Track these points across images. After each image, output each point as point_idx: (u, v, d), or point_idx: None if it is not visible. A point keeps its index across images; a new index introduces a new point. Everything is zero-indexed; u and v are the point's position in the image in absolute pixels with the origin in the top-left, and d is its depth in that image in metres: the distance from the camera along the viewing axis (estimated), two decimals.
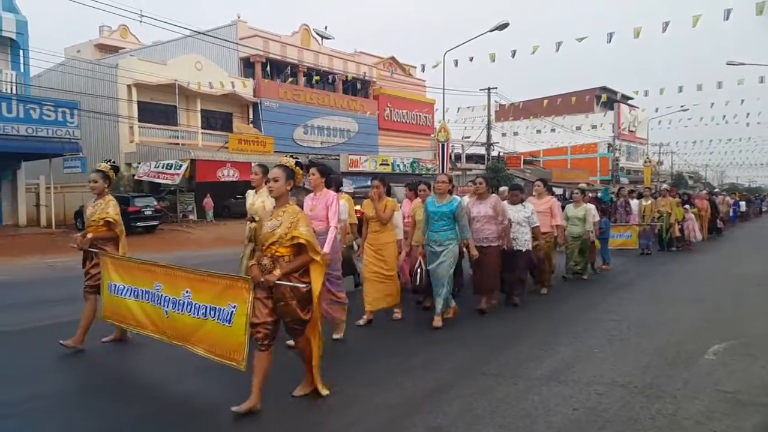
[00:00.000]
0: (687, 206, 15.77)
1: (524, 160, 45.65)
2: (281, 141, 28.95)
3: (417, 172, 31.63)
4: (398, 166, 30.37)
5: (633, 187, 15.80)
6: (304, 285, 3.86)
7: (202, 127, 28.16)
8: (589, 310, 7.61)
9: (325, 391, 4.19)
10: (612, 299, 8.42)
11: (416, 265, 6.73)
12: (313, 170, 5.56)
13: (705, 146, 53.26)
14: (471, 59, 20.77)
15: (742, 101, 28.90)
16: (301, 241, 3.85)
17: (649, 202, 14.30)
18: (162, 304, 4.47)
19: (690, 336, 6.02)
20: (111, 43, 36.03)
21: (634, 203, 14.47)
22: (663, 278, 10.62)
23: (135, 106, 25.50)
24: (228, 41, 27.32)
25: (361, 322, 6.40)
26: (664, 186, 17.11)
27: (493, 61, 19.49)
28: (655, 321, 6.84)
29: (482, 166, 35.36)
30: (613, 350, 5.52)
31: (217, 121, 29.32)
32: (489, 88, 32.20)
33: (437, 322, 6.27)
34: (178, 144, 26.44)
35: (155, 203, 21.18)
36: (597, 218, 10.34)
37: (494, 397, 4.21)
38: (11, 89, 21.28)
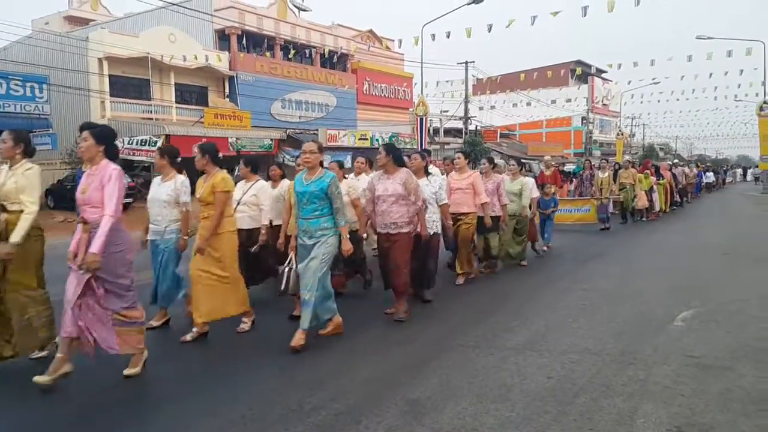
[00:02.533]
0: (654, 178, 16.00)
1: (501, 133, 45.85)
2: (258, 115, 28.66)
3: (396, 146, 31.64)
4: (377, 140, 30.26)
5: (605, 159, 15.67)
6: None
7: (177, 102, 27.71)
8: (560, 281, 7.81)
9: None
10: (583, 270, 8.65)
11: (286, 264, 5.42)
12: (85, 134, 4.13)
13: (675, 119, 54.11)
14: (448, 34, 20.70)
15: (711, 75, 29.30)
16: None
17: (606, 174, 13.78)
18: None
19: (659, 304, 6.22)
20: (81, 15, 35.03)
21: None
22: (632, 249, 10.90)
23: (106, 80, 24.95)
24: (202, 12, 26.77)
25: (188, 337, 5.06)
26: (626, 158, 17.21)
27: (469, 36, 19.49)
28: (625, 290, 7.05)
29: (460, 140, 35.46)
30: (585, 319, 5.69)
31: (192, 95, 28.85)
32: (466, 62, 32.17)
33: (298, 340, 4.75)
34: (151, 119, 26.00)
35: (129, 180, 20.92)
36: (536, 194, 9.35)
37: (471, 368, 4.34)
38: None
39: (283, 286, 5.28)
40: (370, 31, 39.05)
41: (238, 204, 6.01)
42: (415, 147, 26.27)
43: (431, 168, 7.66)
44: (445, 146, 35.77)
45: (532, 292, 7.17)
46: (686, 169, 24.28)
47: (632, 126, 60.34)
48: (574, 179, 18.04)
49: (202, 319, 5.06)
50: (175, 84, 27.58)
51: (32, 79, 20.21)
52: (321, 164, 5.12)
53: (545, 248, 10.09)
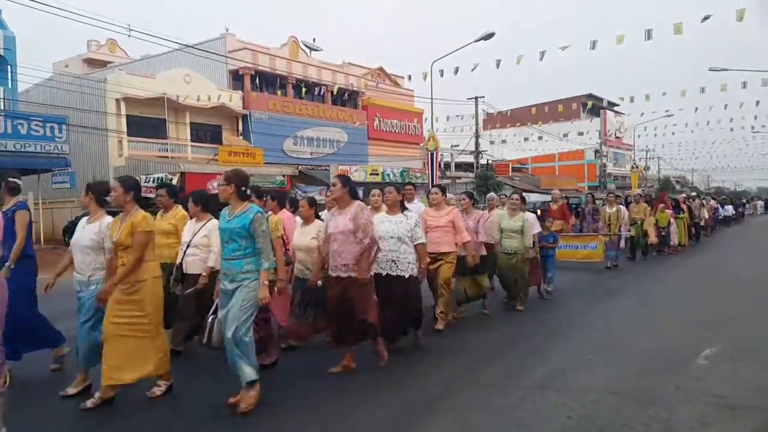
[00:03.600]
0: (669, 212, 15.50)
1: (513, 167, 45.89)
2: (271, 152, 28.95)
3: (407, 181, 31.75)
4: (388, 175, 30.35)
5: (612, 193, 15.09)
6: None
7: (192, 140, 28.11)
8: (578, 316, 7.68)
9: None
10: (601, 305, 8.49)
11: (210, 311, 4.63)
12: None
13: (690, 151, 53.87)
14: (456, 70, 20.90)
15: (726, 106, 29.18)
16: None
17: (614, 209, 12.95)
18: None
19: (680, 341, 6.07)
20: (99, 58, 35.93)
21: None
22: (651, 284, 10.72)
23: (124, 120, 25.42)
24: (217, 54, 27.35)
25: (89, 404, 4.26)
26: (638, 192, 16.66)
27: (473, 70, 19.67)
28: (645, 326, 6.91)
29: (471, 175, 35.50)
30: (605, 357, 5.56)
31: (206, 133, 29.27)
32: (476, 97, 32.40)
33: (246, 404, 4.17)
34: (167, 157, 26.35)
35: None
36: (537, 229, 8.78)
37: (488, 407, 4.24)
38: None
39: (205, 339, 4.49)
40: (380, 69, 39.60)
41: (188, 246, 5.56)
42: (425, 182, 26.32)
43: (416, 203, 7.50)
44: (457, 181, 35.82)
45: (550, 328, 7.04)
46: (711, 202, 23.85)
47: (647, 159, 60.18)
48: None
49: (110, 381, 4.26)
50: (191, 123, 28.03)
51: (52, 120, 20.62)
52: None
53: (548, 290, 9.14)
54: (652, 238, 14.18)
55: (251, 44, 30.81)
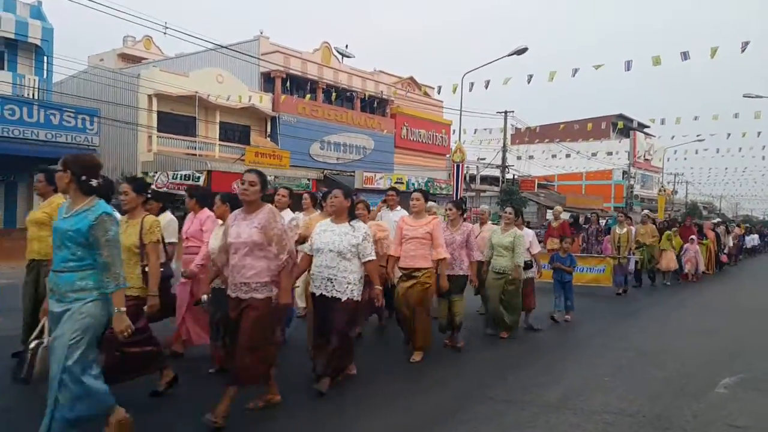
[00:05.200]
0: (693, 237, 14.92)
1: (539, 183, 45.55)
2: (297, 155, 29.15)
3: (432, 191, 31.71)
4: (413, 184, 30.30)
5: (623, 213, 13.60)
6: None
7: (220, 139, 28.44)
8: (596, 337, 7.56)
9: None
10: (619, 328, 8.36)
11: (34, 335, 3.56)
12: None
13: (720, 177, 52.97)
14: (487, 84, 20.82)
15: (759, 134, 28.59)
16: None
17: (624, 230, 11.93)
18: None
19: (700, 368, 5.96)
20: (134, 53, 36.58)
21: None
22: (671, 309, 10.52)
23: (155, 116, 25.81)
24: (250, 56, 27.65)
25: None
26: (645, 212, 15.51)
27: (505, 83, 19.48)
28: (664, 351, 6.78)
29: (497, 188, 35.34)
30: (621, 379, 5.48)
31: (235, 133, 29.59)
32: (506, 112, 32.29)
33: None
34: (195, 155, 26.69)
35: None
36: (536, 249, 7.93)
37: (502, 424, 4.19)
38: (33, 95, 21.68)
39: (24, 372, 3.36)
40: (411, 78, 39.68)
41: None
42: (450, 193, 26.27)
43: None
44: (481, 194, 35.67)
45: (566, 348, 6.96)
46: (736, 229, 23.14)
47: (675, 183, 59.33)
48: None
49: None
50: (220, 122, 28.37)
51: (84, 112, 21.03)
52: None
53: (569, 317, 8.48)
54: (668, 263, 13.61)
55: (284, 48, 31.12)
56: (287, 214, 5.86)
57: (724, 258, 18.99)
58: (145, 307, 4.20)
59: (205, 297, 4.79)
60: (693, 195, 65.67)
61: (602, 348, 6.90)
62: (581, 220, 17.50)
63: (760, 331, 8.54)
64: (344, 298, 4.66)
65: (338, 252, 4.68)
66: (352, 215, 4.92)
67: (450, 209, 6.63)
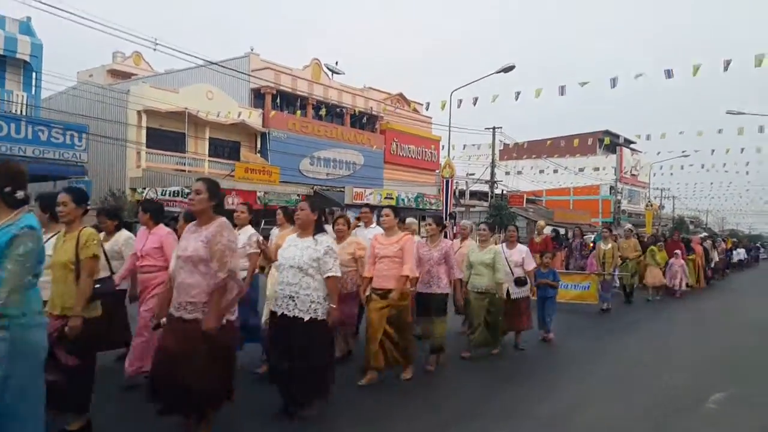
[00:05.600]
0: (677, 252, 14.59)
1: (527, 198, 45.81)
2: (287, 171, 29.16)
3: (421, 207, 31.81)
4: (403, 200, 30.41)
5: (608, 228, 13.21)
6: None
7: (210, 155, 28.41)
8: (587, 353, 7.59)
9: None
10: (611, 343, 8.39)
11: None
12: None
13: (706, 192, 53.52)
14: (475, 101, 20.98)
15: (742, 150, 29.00)
16: None
17: (609, 246, 11.63)
18: None
19: (691, 383, 6.00)
20: (124, 69, 36.57)
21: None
22: (663, 323, 10.59)
23: (144, 132, 25.76)
24: (240, 72, 27.74)
25: None
26: (627, 226, 15.01)
27: (494, 101, 19.65)
28: (653, 366, 6.83)
29: (486, 203, 35.51)
30: (613, 394, 5.51)
31: (224, 149, 29.58)
32: (494, 128, 32.55)
33: None
34: (184, 171, 26.63)
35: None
36: (531, 265, 7.52)
37: None
38: (21, 111, 21.56)
39: None
40: (400, 95, 39.96)
41: None
42: (440, 209, 26.33)
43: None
44: (471, 209, 35.81)
45: (559, 363, 6.97)
46: (722, 244, 23.19)
47: (661, 198, 59.91)
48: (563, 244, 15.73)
49: None
50: (210, 138, 28.36)
51: (72, 128, 20.89)
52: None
53: (549, 336, 8.08)
54: (653, 279, 13.53)
55: (274, 64, 31.27)
56: (246, 231, 5.61)
57: (709, 272, 18.97)
58: (66, 328, 3.67)
59: (164, 320, 3.96)
60: (680, 210, 66.35)
61: (595, 363, 6.93)
62: (569, 234, 17.54)
63: (748, 345, 8.60)
64: (307, 318, 4.26)
65: (299, 267, 4.31)
66: (318, 229, 4.51)
67: (429, 224, 6.33)
